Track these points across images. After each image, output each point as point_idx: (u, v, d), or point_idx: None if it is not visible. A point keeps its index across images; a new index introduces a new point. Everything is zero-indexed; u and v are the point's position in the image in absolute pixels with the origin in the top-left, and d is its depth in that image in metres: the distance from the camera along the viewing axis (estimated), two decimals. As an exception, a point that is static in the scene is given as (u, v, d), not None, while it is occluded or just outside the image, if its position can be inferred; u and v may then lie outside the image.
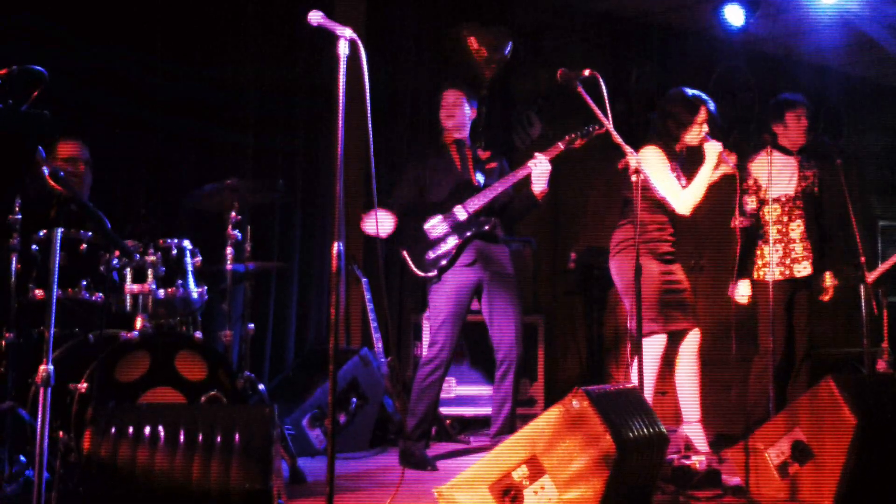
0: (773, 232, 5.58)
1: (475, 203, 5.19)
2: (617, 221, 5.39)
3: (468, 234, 5.19)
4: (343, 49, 3.46)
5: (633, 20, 7.95)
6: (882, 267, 6.13)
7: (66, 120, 4.75)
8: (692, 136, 5.24)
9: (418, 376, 5.18)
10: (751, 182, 5.72)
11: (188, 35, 5.91)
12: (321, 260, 6.48)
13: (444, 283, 5.18)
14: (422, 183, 5.31)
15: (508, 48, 7.02)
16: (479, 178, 5.31)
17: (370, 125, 3.60)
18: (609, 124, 4.59)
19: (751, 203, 5.72)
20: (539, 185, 5.18)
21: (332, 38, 3.48)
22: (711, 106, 5.25)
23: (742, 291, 5.69)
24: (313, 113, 6.41)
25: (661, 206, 5.13)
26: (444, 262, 5.15)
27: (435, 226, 5.20)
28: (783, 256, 5.68)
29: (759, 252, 5.73)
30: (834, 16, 7.57)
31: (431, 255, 5.17)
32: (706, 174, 5.13)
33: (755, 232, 5.74)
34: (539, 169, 5.15)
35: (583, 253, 7.02)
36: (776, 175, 5.65)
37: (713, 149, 5.13)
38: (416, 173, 5.36)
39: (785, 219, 5.69)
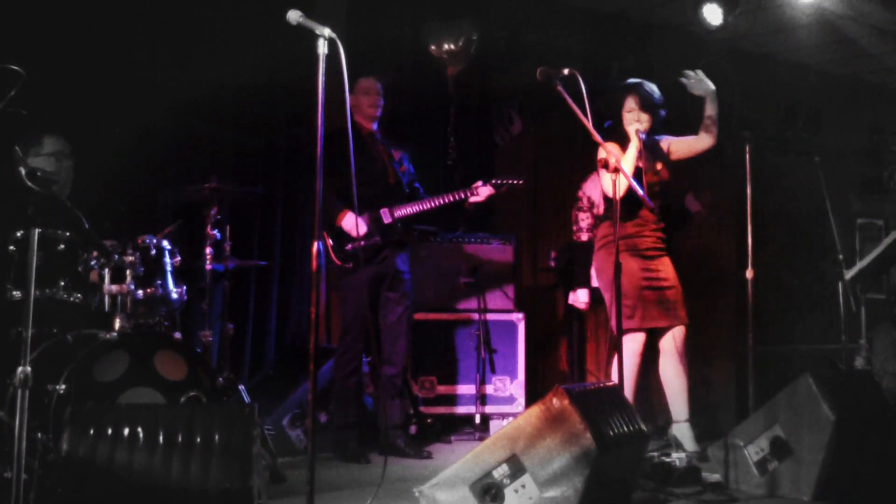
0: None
1: (403, 211, 5.40)
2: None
3: (388, 237, 5.39)
4: (322, 48, 3.46)
5: (614, 15, 7.96)
6: (860, 264, 6.18)
7: (48, 113, 4.71)
8: (628, 124, 5.29)
9: (339, 369, 5.37)
10: (584, 201, 6.24)
11: (168, 29, 5.86)
12: (301, 258, 6.46)
13: (357, 275, 5.30)
14: (331, 167, 5.25)
15: (471, 41, 7.00)
16: (402, 180, 5.52)
17: (349, 123, 3.61)
18: (588, 122, 4.61)
19: (586, 219, 6.20)
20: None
21: (313, 36, 3.48)
22: (642, 90, 5.30)
23: (582, 299, 6.30)
24: (294, 109, 6.37)
25: (639, 201, 5.12)
26: (361, 256, 5.29)
27: (359, 221, 5.29)
28: None
29: (595, 264, 6.02)
30: (812, 13, 7.61)
31: (351, 246, 5.27)
32: (629, 157, 5.13)
33: (591, 245, 6.07)
34: (477, 199, 5.42)
35: (563, 250, 7.03)
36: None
37: (632, 130, 5.21)
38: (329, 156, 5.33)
39: None
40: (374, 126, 5.56)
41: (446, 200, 5.41)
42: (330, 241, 5.30)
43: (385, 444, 5.36)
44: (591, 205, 6.16)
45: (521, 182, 5.49)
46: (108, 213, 4.83)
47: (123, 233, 4.51)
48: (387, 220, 5.38)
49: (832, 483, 4.14)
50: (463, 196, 5.40)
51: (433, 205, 5.42)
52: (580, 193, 6.22)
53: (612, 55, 7.87)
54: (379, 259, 5.39)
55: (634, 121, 5.25)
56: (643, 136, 5.19)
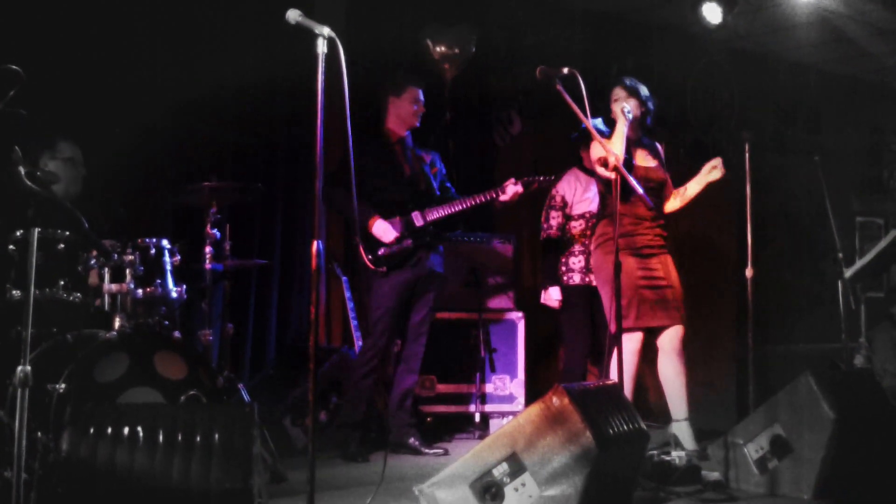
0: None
1: (434, 214, 5.46)
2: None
3: (421, 239, 5.44)
4: (321, 48, 3.45)
5: (613, 16, 7.97)
6: (860, 262, 6.18)
7: (48, 113, 4.70)
8: (616, 115, 5.26)
9: (360, 367, 5.41)
10: (558, 199, 6.28)
11: (168, 29, 5.87)
12: (302, 258, 6.45)
13: (389, 278, 5.36)
14: (361, 175, 5.28)
15: (471, 45, 7.00)
16: (433, 183, 5.60)
17: (349, 124, 3.61)
18: (588, 122, 4.61)
19: (556, 218, 6.26)
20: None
21: (312, 35, 3.47)
22: (625, 80, 5.34)
23: (554, 296, 6.28)
24: (294, 109, 6.37)
25: (636, 199, 5.10)
26: (395, 261, 5.36)
27: (391, 225, 5.38)
28: (584, 266, 6.15)
29: (563, 261, 6.25)
30: (812, 13, 7.62)
31: (384, 251, 5.35)
32: (620, 129, 5.10)
33: (561, 243, 6.28)
34: (506, 197, 5.45)
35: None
36: (581, 194, 6.22)
37: (618, 109, 5.18)
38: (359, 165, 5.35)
39: (588, 233, 6.01)
40: (406, 132, 5.62)
41: (477, 202, 5.46)
42: (360, 244, 5.37)
43: (394, 442, 5.42)
44: (564, 204, 6.25)
45: (551, 178, 5.67)
46: (108, 215, 4.83)
47: (122, 233, 4.51)
48: (419, 223, 5.44)
49: (832, 482, 4.14)
50: (493, 196, 5.44)
51: (465, 206, 5.47)
52: (553, 192, 6.28)
53: (611, 56, 7.89)
54: (412, 262, 5.44)
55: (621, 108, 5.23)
56: (629, 117, 5.12)
